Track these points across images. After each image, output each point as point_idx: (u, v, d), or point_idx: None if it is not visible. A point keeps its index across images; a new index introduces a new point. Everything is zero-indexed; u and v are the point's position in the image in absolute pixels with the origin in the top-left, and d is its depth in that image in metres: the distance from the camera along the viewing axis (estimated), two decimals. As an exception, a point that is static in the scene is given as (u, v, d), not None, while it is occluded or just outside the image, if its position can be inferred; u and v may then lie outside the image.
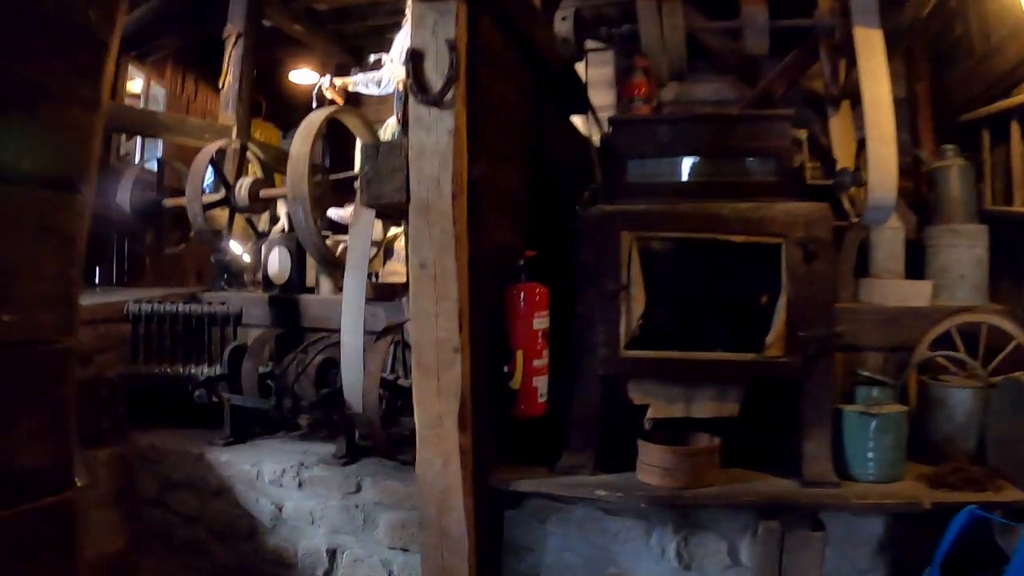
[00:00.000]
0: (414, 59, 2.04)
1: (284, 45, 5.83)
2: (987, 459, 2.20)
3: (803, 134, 2.61)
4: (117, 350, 3.17)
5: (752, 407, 2.25)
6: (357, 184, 2.49)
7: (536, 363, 2.20)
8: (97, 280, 4.86)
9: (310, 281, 3.46)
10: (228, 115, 4.54)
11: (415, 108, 2.05)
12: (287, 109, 6.24)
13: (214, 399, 2.94)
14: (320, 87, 3.69)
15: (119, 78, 4.66)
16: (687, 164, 2.51)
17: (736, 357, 2.22)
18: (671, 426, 2.29)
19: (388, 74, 3.50)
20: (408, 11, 3.45)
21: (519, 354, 2.16)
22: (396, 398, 2.60)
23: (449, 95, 1.99)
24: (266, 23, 4.98)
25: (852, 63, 2.71)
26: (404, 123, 2.28)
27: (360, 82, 3.66)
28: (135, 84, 5.59)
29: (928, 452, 2.26)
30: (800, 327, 2.17)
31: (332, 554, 2.63)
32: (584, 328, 2.25)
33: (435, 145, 2.03)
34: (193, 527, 2.91)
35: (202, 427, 3.10)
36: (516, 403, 2.20)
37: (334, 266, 2.86)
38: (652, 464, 2.14)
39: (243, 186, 3.08)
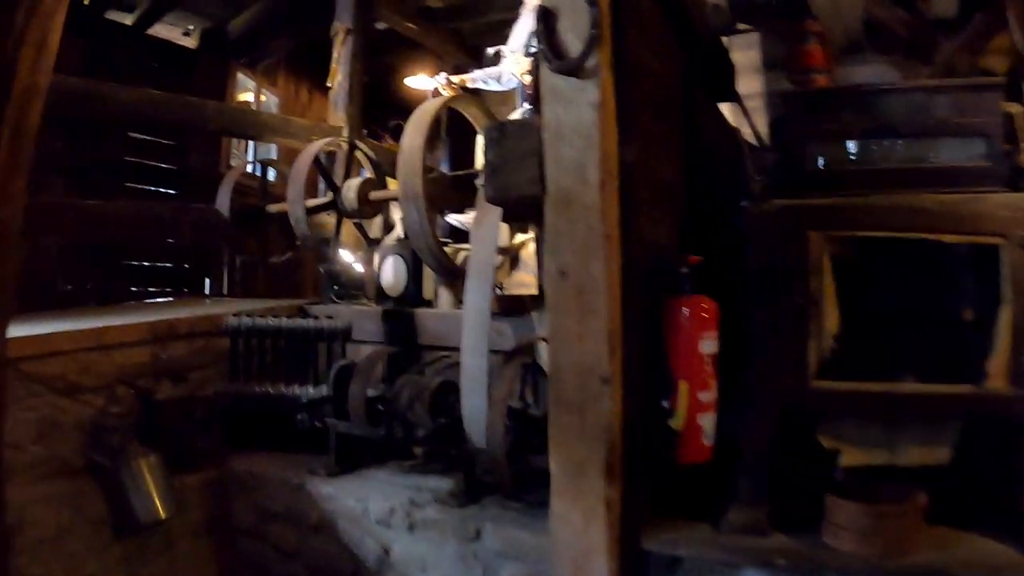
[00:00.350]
0: (546, 18, 1.70)
1: (397, 50, 5.80)
2: None
3: (1017, 109, 2.06)
4: (215, 367, 3.03)
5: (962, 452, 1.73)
6: (479, 181, 2.19)
7: (702, 396, 1.78)
8: (208, 291, 4.90)
9: (427, 293, 3.19)
10: (338, 115, 4.43)
11: (549, 78, 1.71)
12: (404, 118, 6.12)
13: (317, 424, 2.71)
14: (438, 86, 3.46)
15: (228, 86, 4.77)
16: (879, 147, 2.02)
17: (952, 390, 1.71)
18: (858, 475, 1.81)
19: (508, 67, 3.27)
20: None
21: (683, 386, 1.75)
22: (526, 431, 2.25)
23: (592, 60, 1.64)
24: (379, 25, 4.91)
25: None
26: (535, 100, 1.94)
27: (479, 78, 3.51)
28: (248, 94, 5.71)
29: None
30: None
31: (445, 611, 2.31)
32: (762, 353, 1.81)
33: (576, 123, 1.68)
34: (291, 563, 2.71)
35: (305, 452, 2.90)
36: (677, 447, 1.79)
37: (454, 275, 2.59)
38: (843, 525, 1.67)
39: (351, 188, 2.87)
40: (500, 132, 1.80)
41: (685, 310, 1.78)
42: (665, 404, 1.78)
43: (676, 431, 1.77)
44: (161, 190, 5.17)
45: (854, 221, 1.86)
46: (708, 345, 1.78)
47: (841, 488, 1.72)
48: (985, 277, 1.71)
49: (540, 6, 1.72)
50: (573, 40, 1.67)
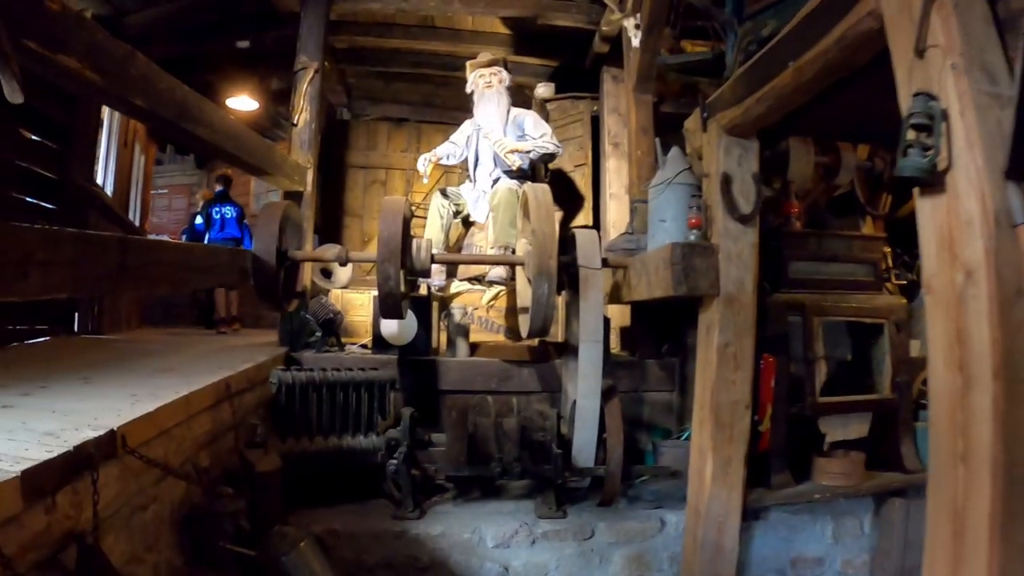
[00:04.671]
0: (725, 183, 3.65)
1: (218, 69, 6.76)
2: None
3: (888, 249, 4.77)
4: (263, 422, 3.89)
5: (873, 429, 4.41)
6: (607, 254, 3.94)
7: (770, 410, 3.99)
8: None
9: (434, 342, 4.55)
10: (304, 155, 5.05)
11: (726, 222, 3.66)
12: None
13: (414, 472, 3.94)
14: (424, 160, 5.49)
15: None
16: (823, 266, 4.44)
17: (869, 397, 4.34)
18: (819, 447, 4.30)
19: (457, 153, 6.08)
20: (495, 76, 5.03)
21: (767, 406, 3.93)
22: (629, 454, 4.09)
23: (754, 217, 3.67)
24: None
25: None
26: (703, 232, 3.78)
27: (441, 155, 5.82)
28: None
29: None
30: (897, 375, 4.38)
31: (567, 597, 3.99)
32: (787, 385, 4.12)
33: (739, 254, 3.69)
34: (397, 609, 3.89)
35: (354, 502, 4.05)
36: (759, 442, 3.96)
37: (545, 332, 4.09)
38: (834, 472, 4.12)
39: (421, 248, 4.06)
40: (691, 250, 3.64)
41: (764, 363, 3.95)
42: (755, 417, 3.92)
43: (761, 432, 3.94)
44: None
45: (821, 310, 4.28)
46: (772, 382, 3.99)
47: (824, 453, 4.15)
48: (879, 338, 4.31)
49: (723, 173, 3.64)
50: (741, 200, 3.66)
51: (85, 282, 2.35)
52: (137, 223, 8.56)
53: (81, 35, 2.23)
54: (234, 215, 8.61)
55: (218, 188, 8.86)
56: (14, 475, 1.91)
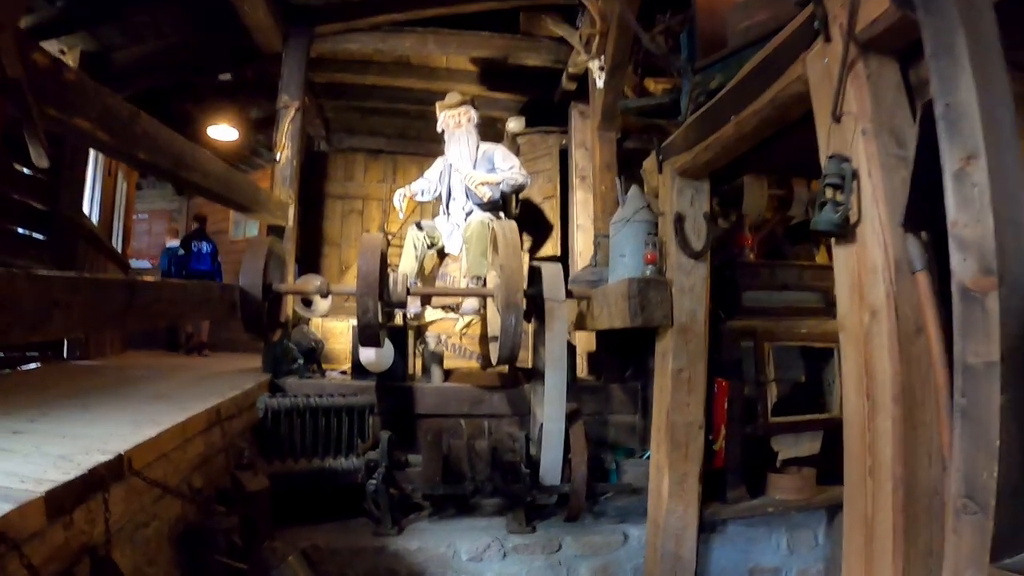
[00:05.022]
0: (678, 222, 3.95)
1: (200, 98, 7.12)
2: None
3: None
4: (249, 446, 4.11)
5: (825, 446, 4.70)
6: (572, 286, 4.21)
7: (724, 430, 4.27)
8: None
9: (410, 369, 4.79)
10: (286, 190, 5.29)
11: (679, 258, 3.95)
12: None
13: (392, 491, 4.18)
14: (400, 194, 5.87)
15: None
16: (775, 294, 4.73)
17: (821, 416, 4.63)
18: (773, 464, 4.58)
19: (431, 190, 6.45)
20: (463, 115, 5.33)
21: (721, 427, 4.21)
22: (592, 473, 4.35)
23: (705, 254, 3.97)
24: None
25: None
26: (658, 267, 4.07)
27: (415, 192, 6.21)
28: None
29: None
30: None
31: (535, 608, 4.22)
32: (743, 407, 4.41)
33: (691, 287, 3.99)
34: (376, 619, 4.11)
35: (336, 520, 4.28)
36: (714, 460, 4.24)
37: (513, 359, 4.34)
38: (787, 487, 4.40)
39: (397, 282, 4.31)
40: (647, 284, 3.93)
41: (717, 386, 4.24)
42: (710, 437, 4.20)
43: (715, 451, 4.22)
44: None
45: (773, 336, 4.58)
46: (725, 404, 4.28)
47: (777, 469, 4.44)
48: (829, 361, 4.61)
49: (676, 213, 3.93)
50: (694, 238, 3.95)
51: (98, 321, 2.58)
52: (120, 249, 8.80)
53: (94, 100, 2.47)
54: (209, 250, 9.26)
55: (196, 226, 9.55)
56: (39, 495, 2.13)
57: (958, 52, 1.84)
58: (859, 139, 2.26)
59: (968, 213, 1.79)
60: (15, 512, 2.03)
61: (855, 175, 2.25)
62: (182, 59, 6.99)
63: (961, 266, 1.80)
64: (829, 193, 2.29)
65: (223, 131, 9.33)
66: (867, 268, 2.21)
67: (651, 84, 6.15)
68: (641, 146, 6.01)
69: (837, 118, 2.36)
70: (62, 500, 2.25)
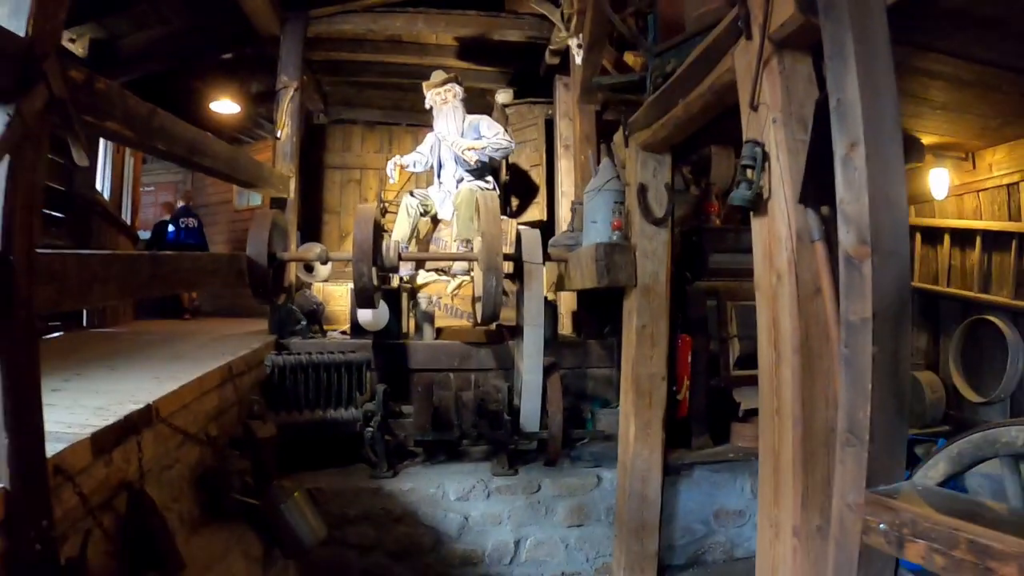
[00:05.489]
0: (641, 192, 4.30)
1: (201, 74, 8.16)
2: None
3: None
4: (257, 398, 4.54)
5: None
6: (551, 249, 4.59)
7: (687, 382, 4.67)
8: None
9: (404, 327, 5.20)
10: (287, 165, 5.67)
11: (642, 225, 4.31)
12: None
13: (387, 437, 4.59)
14: (392, 163, 6.16)
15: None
16: (740, 257, 5.07)
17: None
18: (736, 414, 4.99)
19: (422, 161, 6.73)
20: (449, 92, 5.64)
21: (684, 379, 4.61)
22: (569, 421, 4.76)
23: (667, 221, 4.33)
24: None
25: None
26: (624, 233, 4.43)
27: (408, 163, 6.55)
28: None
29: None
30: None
31: (517, 544, 4.66)
32: (706, 359, 4.80)
33: (654, 251, 4.35)
34: (372, 555, 4.55)
35: (336, 466, 4.70)
36: (678, 409, 4.65)
37: (495, 317, 4.72)
38: (748, 435, 4.80)
39: (390, 248, 4.68)
40: (612, 248, 4.29)
41: (681, 341, 4.62)
42: (674, 388, 4.60)
43: (679, 401, 4.62)
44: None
45: (736, 295, 4.95)
46: (689, 358, 4.67)
47: (740, 419, 4.84)
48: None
49: (640, 184, 4.29)
50: (656, 206, 4.31)
51: (128, 291, 2.95)
52: (129, 221, 9.19)
53: (119, 104, 2.83)
54: (196, 225, 10.07)
55: (180, 204, 10.39)
56: (86, 436, 2.54)
57: (847, 54, 2.17)
58: (770, 127, 2.61)
59: (851, 192, 2.14)
60: (67, 450, 2.44)
61: (766, 157, 2.61)
62: (185, 43, 7.26)
63: (845, 237, 2.16)
64: (745, 173, 2.64)
65: (225, 106, 9.58)
66: (775, 238, 2.58)
67: (630, 58, 6.42)
68: (619, 117, 6.33)
69: (754, 107, 2.71)
70: (103, 441, 2.66)
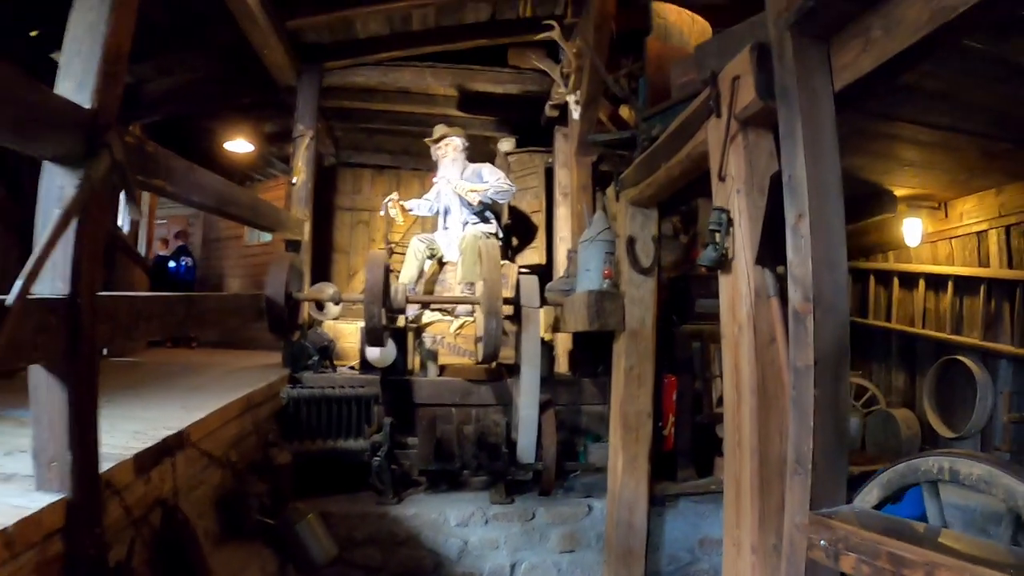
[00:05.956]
0: (630, 244, 4.71)
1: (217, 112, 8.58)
2: (866, 449, 5.81)
3: None
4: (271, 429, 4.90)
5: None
6: (548, 294, 4.98)
7: (672, 419, 5.04)
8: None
9: (409, 365, 5.58)
10: (301, 210, 6.12)
11: (631, 274, 4.71)
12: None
13: (394, 467, 4.95)
14: (389, 200, 6.11)
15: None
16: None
17: None
18: (719, 449, 5.33)
19: (426, 207, 7.11)
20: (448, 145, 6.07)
21: (670, 416, 4.98)
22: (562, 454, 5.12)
23: (653, 271, 4.73)
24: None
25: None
26: (614, 281, 4.82)
27: (413, 207, 6.86)
28: None
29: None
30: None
31: (512, 568, 4.99)
32: (690, 396, 5.17)
33: (641, 298, 4.74)
34: (377, 576, 4.88)
35: (343, 493, 5.05)
36: (663, 443, 5.01)
37: (495, 357, 5.11)
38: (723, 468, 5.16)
39: (399, 291, 5.09)
40: (602, 296, 4.68)
41: (667, 381, 5.00)
42: (660, 424, 4.97)
43: (664, 436, 4.99)
44: None
45: (718, 337, 5.33)
46: (675, 397, 5.04)
47: (722, 453, 5.19)
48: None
49: (629, 236, 4.69)
50: (644, 257, 4.71)
51: (168, 328, 3.35)
52: (144, 253, 9.65)
53: (163, 163, 3.24)
54: (192, 264, 11.27)
55: (179, 243, 11.41)
56: (129, 457, 2.92)
57: (797, 136, 2.56)
58: (735, 196, 3.02)
59: (798, 256, 2.53)
60: (115, 468, 2.81)
61: (731, 223, 3.01)
62: (206, 90, 7.76)
63: (793, 294, 2.55)
64: (713, 236, 3.04)
65: (239, 145, 10.02)
66: (738, 293, 2.97)
67: (625, 111, 6.87)
68: (614, 167, 6.76)
69: (722, 178, 3.12)
70: (144, 461, 3.04)
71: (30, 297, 2.20)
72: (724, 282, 3.13)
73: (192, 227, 13.24)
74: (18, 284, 2.18)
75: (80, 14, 2.67)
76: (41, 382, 2.45)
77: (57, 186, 2.53)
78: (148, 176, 3.09)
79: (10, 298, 2.13)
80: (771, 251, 2.81)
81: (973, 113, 3.79)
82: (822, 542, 2.37)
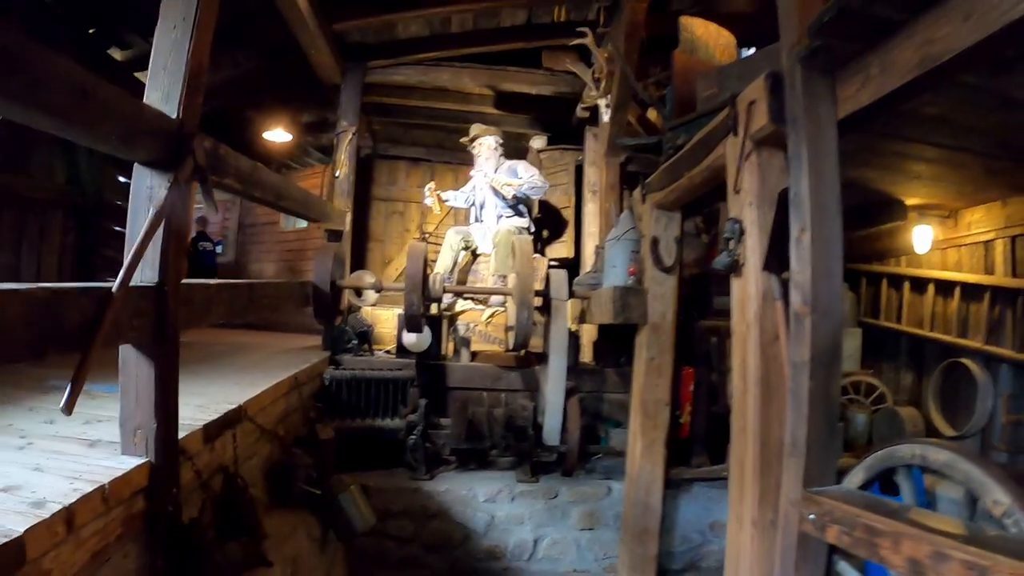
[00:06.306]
0: (654, 244, 5.05)
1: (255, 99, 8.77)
2: (873, 443, 6.12)
3: None
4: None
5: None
6: (576, 288, 5.35)
7: (688, 408, 5.38)
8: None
9: (443, 350, 5.98)
10: (345, 201, 6.60)
11: (654, 272, 5.05)
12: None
13: (428, 445, 5.35)
14: (428, 187, 6.47)
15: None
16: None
17: None
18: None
19: (462, 199, 7.43)
20: (482, 144, 6.42)
21: (686, 405, 5.33)
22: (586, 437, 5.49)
23: (675, 269, 5.07)
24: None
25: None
26: (638, 278, 5.17)
27: (449, 199, 7.19)
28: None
29: (845, 446, 6.10)
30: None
31: (535, 542, 5.38)
32: (708, 390, 5.51)
33: (663, 294, 5.09)
34: (408, 546, 5.29)
35: (380, 469, 5.46)
36: (679, 431, 5.36)
37: (526, 344, 5.47)
38: (739, 459, 5.50)
39: (436, 280, 5.47)
40: (627, 291, 5.04)
41: (684, 372, 5.35)
42: (677, 412, 5.32)
43: (681, 423, 5.34)
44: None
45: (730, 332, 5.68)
46: (692, 388, 5.39)
47: (733, 442, 5.54)
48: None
49: (653, 237, 5.03)
50: (666, 256, 5.06)
51: (233, 312, 3.75)
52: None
53: (233, 163, 3.62)
54: (212, 248, 11.49)
55: (199, 229, 11.31)
56: (199, 427, 3.32)
57: (802, 158, 2.89)
58: (747, 208, 3.35)
59: (800, 265, 2.86)
60: (187, 437, 3.20)
61: (743, 233, 3.34)
62: (252, 85, 8.17)
63: (795, 298, 2.89)
64: (727, 244, 3.38)
65: (278, 134, 10.39)
66: (747, 295, 3.31)
67: (653, 114, 7.20)
68: (641, 169, 7.09)
69: (737, 191, 3.45)
70: (211, 431, 3.43)
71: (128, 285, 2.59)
72: (736, 285, 3.47)
73: (229, 212, 13.69)
74: (121, 274, 2.56)
75: (164, 32, 3.04)
76: (131, 359, 2.83)
77: (147, 186, 2.90)
78: (220, 176, 3.47)
79: (115, 286, 2.51)
80: (778, 259, 3.13)
81: (972, 135, 4.03)
82: (811, 516, 2.72)
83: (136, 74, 7.30)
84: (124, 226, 2.92)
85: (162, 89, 3.00)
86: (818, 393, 2.78)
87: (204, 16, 3.09)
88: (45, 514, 2.11)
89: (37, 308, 2.12)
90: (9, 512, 2.11)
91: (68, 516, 2.21)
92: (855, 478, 2.93)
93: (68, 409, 2.28)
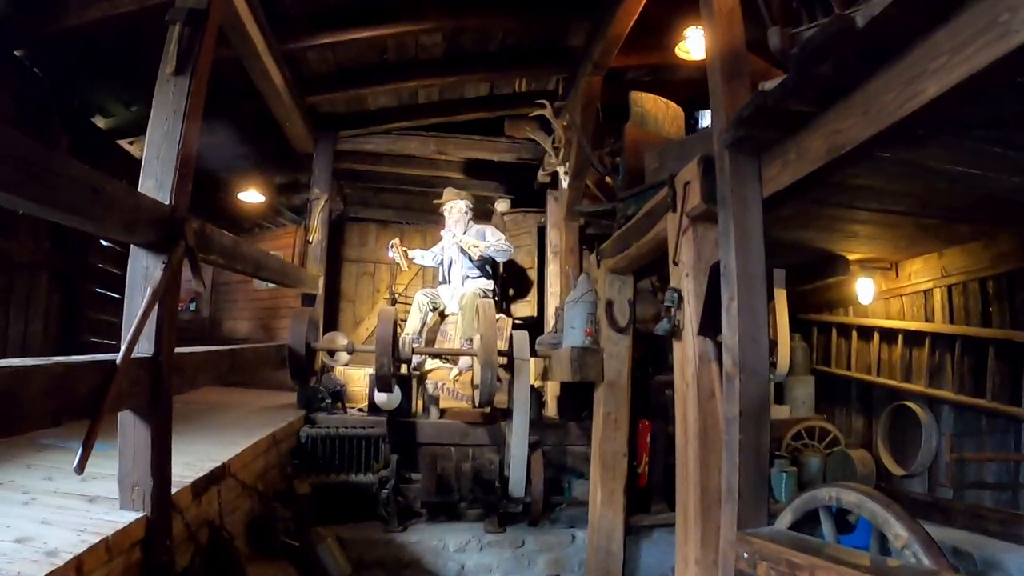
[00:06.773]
0: (608, 307, 5.45)
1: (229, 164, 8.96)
2: (812, 489, 6.49)
3: None
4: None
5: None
6: (538, 347, 5.72)
7: (645, 458, 5.73)
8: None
9: (413, 408, 6.29)
10: (317, 267, 6.93)
11: (609, 332, 5.44)
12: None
13: (399, 499, 5.63)
14: (392, 244, 6.99)
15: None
16: None
17: None
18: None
19: (430, 257, 7.67)
20: (453, 208, 6.82)
21: (644, 455, 5.68)
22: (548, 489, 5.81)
23: (628, 328, 5.46)
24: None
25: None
26: (595, 338, 5.56)
27: (416, 257, 7.49)
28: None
29: (798, 487, 6.46)
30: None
31: (503, 590, 5.66)
32: (666, 441, 5.87)
33: (618, 353, 5.47)
34: (382, 595, 5.54)
35: (351, 522, 5.73)
36: (638, 480, 5.70)
37: (491, 402, 5.81)
38: (694, 506, 5.85)
39: (405, 342, 5.81)
40: (584, 351, 5.41)
41: (641, 425, 5.71)
42: (635, 463, 5.67)
43: (639, 473, 5.68)
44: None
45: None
46: (649, 439, 5.75)
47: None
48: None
49: (608, 300, 5.44)
50: (620, 317, 5.46)
51: (218, 377, 4.08)
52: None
53: (217, 241, 3.97)
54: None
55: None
56: (187, 483, 3.60)
57: (730, 235, 3.28)
58: (684, 279, 3.75)
59: (729, 330, 3.25)
60: (178, 492, 3.48)
61: (682, 300, 3.74)
62: (227, 153, 8.44)
63: (726, 360, 3.27)
64: (668, 311, 3.78)
65: (251, 195, 10.56)
66: (686, 357, 3.70)
67: (610, 180, 7.67)
68: (599, 231, 7.52)
69: (675, 263, 3.86)
70: (198, 487, 3.72)
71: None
72: (677, 348, 3.86)
73: (204, 269, 13.94)
74: (123, 348, 2.89)
75: (157, 124, 3.42)
76: (129, 423, 3.13)
77: (143, 266, 3.23)
78: (206, 253, 3.82)
79: (118, 359, 2.83)
80: (712, 324, 3.52)
81: (900, 199, 4.34)
82: (745, 554, 3.06)
83: (119, 142, 7.63)
84: (107, 289, 3.24)
85: (156, 177, 3.35)
86: (748, 444, 3.14)
87: (193, 107, 3.46)
88: (59, 563, 2.40)
89: (56, 380, 2.43)
90: (27, 561, 2.40)
91: (78, 564, 2.50)
92: (784, 519, 3.28)
93: (80, 469, 2.60)
